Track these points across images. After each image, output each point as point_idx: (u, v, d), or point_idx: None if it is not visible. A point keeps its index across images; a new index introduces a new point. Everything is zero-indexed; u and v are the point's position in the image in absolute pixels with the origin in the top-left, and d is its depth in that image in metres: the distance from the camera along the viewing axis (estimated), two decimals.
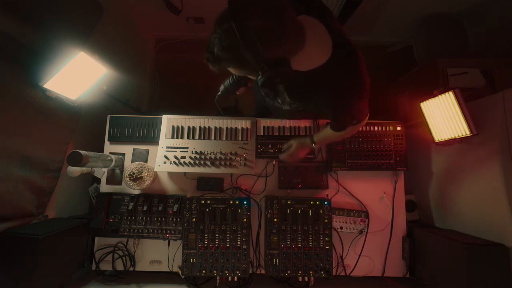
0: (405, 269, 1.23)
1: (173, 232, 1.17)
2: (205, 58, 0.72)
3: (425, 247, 1.16)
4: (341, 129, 1.00)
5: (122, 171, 1.27)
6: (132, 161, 1.28)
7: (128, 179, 1.18)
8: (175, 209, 1.18)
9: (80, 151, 0.97)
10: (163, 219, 1.19)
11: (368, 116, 0.97)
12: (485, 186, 1.07)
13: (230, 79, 1.05)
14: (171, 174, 1.29)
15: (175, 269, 1.21)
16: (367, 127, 1.28)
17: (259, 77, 0.70)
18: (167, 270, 1.22)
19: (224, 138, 1.26)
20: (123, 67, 1.47)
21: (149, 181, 1.20)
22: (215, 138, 1.26)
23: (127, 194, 1.22)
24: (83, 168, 1.16)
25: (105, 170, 1.27)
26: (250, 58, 0.65)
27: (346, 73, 0.82)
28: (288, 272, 1.12)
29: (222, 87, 1.09)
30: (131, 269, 1.22)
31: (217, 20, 0.67)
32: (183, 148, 1.23)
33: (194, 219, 1.15)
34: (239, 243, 1.14)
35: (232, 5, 0.63)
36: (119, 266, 1.22)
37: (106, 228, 1.18)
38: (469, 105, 1.08)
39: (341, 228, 1.23)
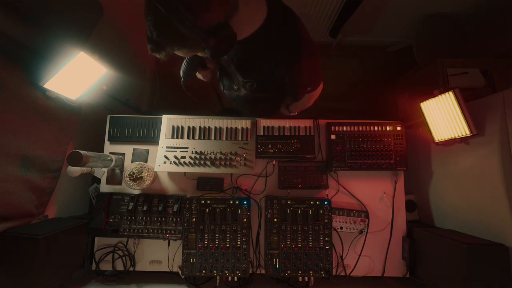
0: (405, 269, 1.23)
1: (173, 232, 1.17)
2: (149, 50, 0.70)
3: (425, 247, 1.16)
4: (296, 98, 1.01)
5: (122, 171, 1.27)
6: (132, 161, 1.28)
7: (128, 179, 1.18)
8: (175, 209, 1.18)
9: (80, 151, 0.97)
10: (163, 219, 1.19)
11: (322, 84, 0.99)
12: (485, 186, 1.07)
13: (184, 62, 1.04)
14: (171, 174, 1.29)
15: (175, 269, 1.21)
16: (367, 127, 1.28)
17: (206, 50, 0.68)
18: (167, 270, 1.22)
19: (224, 138, 1.26)
20: (123, 67, 1.47)
21: (149, 181, 1.20)
22: (215, 138, 1.26)
23: (127, 194, 1.22)
24: (83, 168, 1.16)
25: (105, 170, 1.27)
26: (187, 32, 0.64)
27: (287, 31, 0.81)
28: (288, 272, 1.12)
29: (181, 73, 1.08)
30: (131, 269, 1.22)
31: (144, 8, 0.65)
32: (183, 148, 1.23)
33: (194, 219, 1.15)
34: (239, 243, 1.14)
35: None
36: (119, 266, 1.22)
37: (106, 228, 1.18)
38: (469, 105, 1.08)
39: (341, 228, 1.23)
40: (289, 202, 1.16)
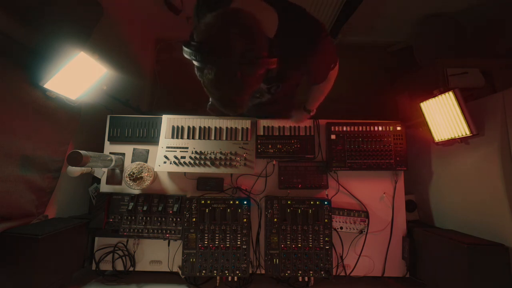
0: (405, 269, 1.23)
1: (173, 232, 1.17)
2: (232, 112, 0.70)
3: (425, 247, 1.16)
4: (324, 78, 1.00)
5: (122, 171, 1.27)
6: (132, 161, 1.28)
7: (128, 179, 1.18)
8: (175, 209, 1.18)
9: (80, 151, 0.97)
10: (163, 219, 1.19)
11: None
12: (485, 186, 1.07)
13: None
14: (171, 174, 1.29)
15: (175, 269, 1.21)
16: (367, 127, 1.28)
17: (269, 71, 0.68)
18: (167, 270, 1.22)
19: (224, 138, 1.26)
20: (123, 67, 1.47)
21: (149, 181, 1.20)
22: (215, 138, 1.26)
23: (127, 194, 1.22)
24: (83, 168, 1.16)
25: (105, 170, 1.27)
26: (258, 68, 0.63)
27: (301, 25, 0.81)
28: (288, 272, 1.12)
29: (211, 99, 1.07)
30: (131, 269, 1.22)
31: (214, 83, 0.62)
32: (183, 148, 1.23)
33: (194, 219, 1.15)
34: (239, 243, 1.14)
35: (208, 55, 0.60)
36: (119, 266, 1.22)
37: (106, 228, 1.18)
38: (469, 105, 1.08)
39: (341, 228, 1.23)
40: (289, 202, 1.16)
